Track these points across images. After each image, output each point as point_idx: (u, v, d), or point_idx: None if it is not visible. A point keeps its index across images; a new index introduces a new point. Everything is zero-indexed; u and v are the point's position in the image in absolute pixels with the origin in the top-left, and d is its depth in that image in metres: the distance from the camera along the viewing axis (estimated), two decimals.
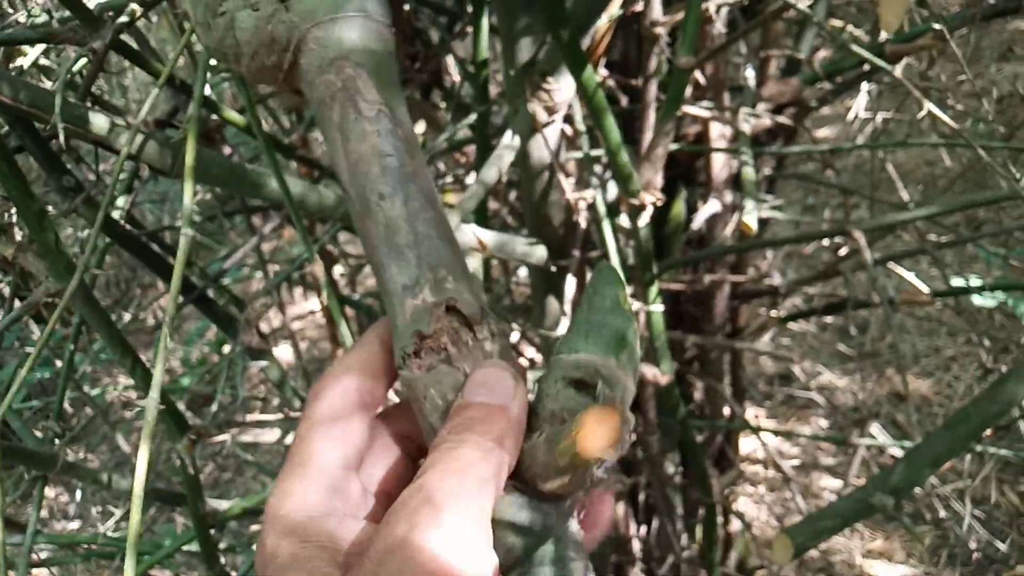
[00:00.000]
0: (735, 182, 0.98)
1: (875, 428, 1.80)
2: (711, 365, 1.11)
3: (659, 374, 0.76)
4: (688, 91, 0.89)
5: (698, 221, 0.92)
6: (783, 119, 0.79)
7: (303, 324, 2.64)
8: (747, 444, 1.88)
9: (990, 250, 1.15)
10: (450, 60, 0.94)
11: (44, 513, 2.08)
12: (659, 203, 0.60)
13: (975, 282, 1.11)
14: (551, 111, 0.60)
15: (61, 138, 0.42)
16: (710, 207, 0.91)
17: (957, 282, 1.08)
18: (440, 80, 0.89)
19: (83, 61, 0.60)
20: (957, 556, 1.55)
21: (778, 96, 0.89)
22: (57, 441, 0.65)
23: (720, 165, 0.94)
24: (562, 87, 0.60)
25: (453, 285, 0.30)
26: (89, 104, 0.54)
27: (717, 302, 1.03)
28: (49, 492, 2.12)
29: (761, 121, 0.83)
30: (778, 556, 0.75)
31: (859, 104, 1.23)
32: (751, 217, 0.60)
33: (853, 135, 2.12)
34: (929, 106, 0.54)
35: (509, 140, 0.67)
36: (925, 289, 0.92)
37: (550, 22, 0.50)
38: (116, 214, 0.73)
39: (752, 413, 1.99)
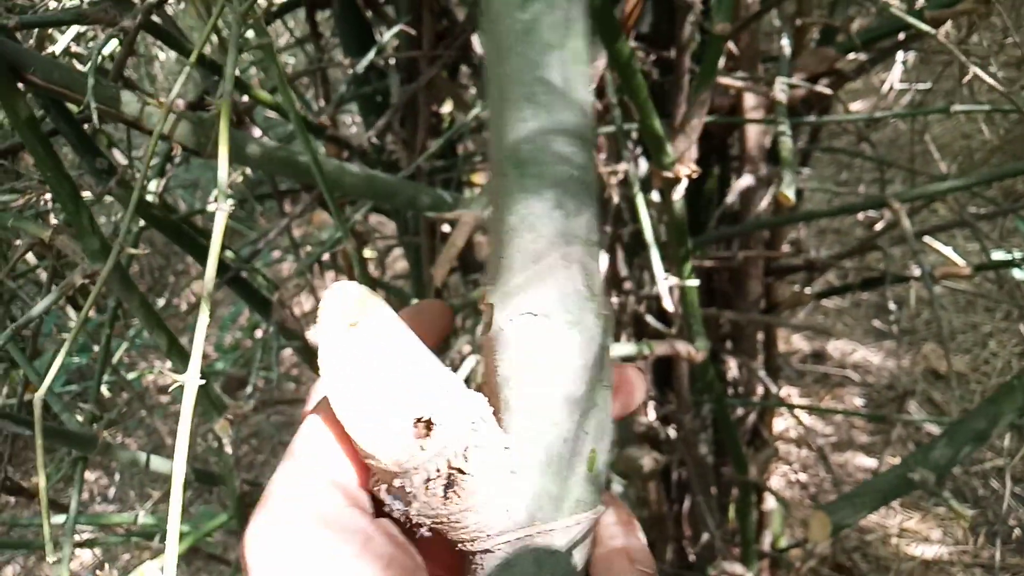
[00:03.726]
0: (770, 156, 0.96)
1: (911, 406, 1.77)
2: (744, 343, 1.09)
3: (693, 351, 0.75)
4: (722, 63, 0.87)
5: (732, 196, 0.90)
6: (820, 88, 0.77)
7: None
8: (780, 423, 1.86)
9: None
10: (477, 37, 0.93)
11: (84, 496, 2.12)
12: (694, 175, 0.59)
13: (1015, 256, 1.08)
14: None
15: (94, 118, 0.42)
16: (744, 181, 0.89)
17: (998, 256, 1.05)
18: (468, 57, 0.88)
19: (114, 43, 0.61)
20: (997, 534, 1.52)
21: (813, 66, 0.87)
22: (95, 424, 0.66)
23: (754, 138, 0.92)
24: (594, 57, 0.58)
25: None
26: (120, 86, 0.54)
27: (751, 278, 1.02)
28: (89, 476, 2.16)
29: (797, 91, 0.81)
30: (815, 534, 0.74)
31: (894, 75, 1.20)
32: (789, 189, 0.59)
33: (888, 108, 2.07)
34: (974, 69, 0.53)
35: None
36: (963, 263, 0.89)
37: None
38: (149, 198, 0.74)
39: (785, 392, 1.97)
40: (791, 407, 0.94)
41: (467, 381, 0.32)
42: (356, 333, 0.28)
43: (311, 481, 0.28)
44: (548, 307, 0.28)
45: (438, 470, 0.26)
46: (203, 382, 0.28)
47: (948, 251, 0.92)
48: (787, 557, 1.03)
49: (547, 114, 0.30)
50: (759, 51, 0.89)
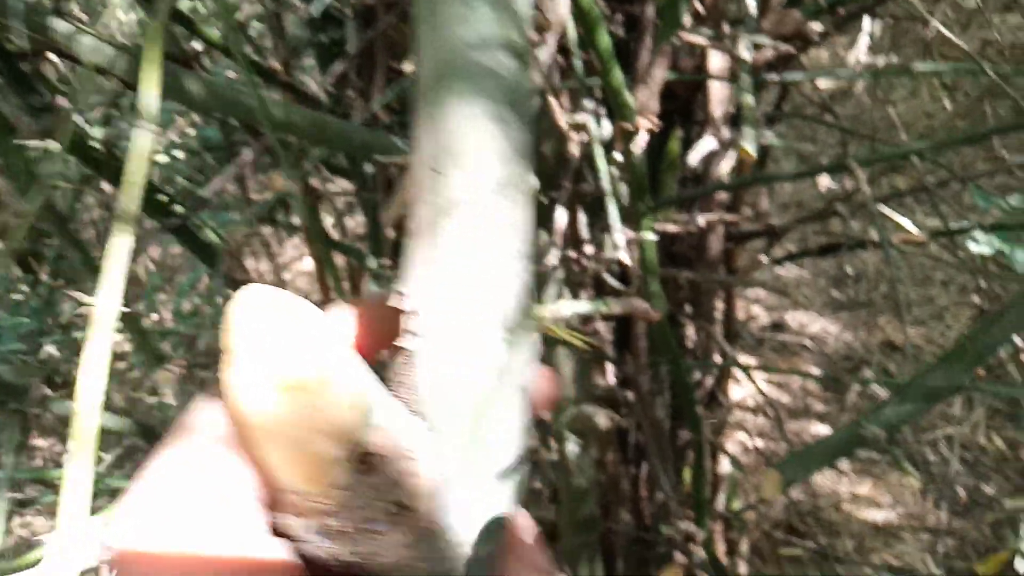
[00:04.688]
0: (733, 120, 0.96)
1: (867, 375, 1.81)
2: (703, 307, 1.10)
3: (650, 310, 0.74)
4: (687, 22, 0.86)
5: (694, 158, 0.90)
6: (785, 47, 0.77)
7: (292, 275, 2.62)
8: (737, 392, 1.89)
9: (987, 193, 1.13)
10: None
11: (38, 462, 2.08)
12: (655, 129, 0.58)
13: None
14: (542, 29, 0.57)
15: (24, 43, 0.40)
16: (707, 143, 0.88)
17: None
18: None
19: None
20: (944, 499, 1.57)
21: (779, 28, 0.86)
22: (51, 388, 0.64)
23: (718, 101, 0.91)
24: (555, 2, 0.57)
25: None
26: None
27: (711, 243, 1.02)
28: (42, 443, 2.12)
29: (762, 53, 0.80)
30: (768, 491, 0.74)
31: (860, 47, 1.20)
32: (751, 144, 0.58)
33: (853, 79, 2.09)
34: (936, 25, 0.52)
35: None
36: (918, 231, 0.90)
37: None
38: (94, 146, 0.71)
39: (743, 360, 1.99)
40: (747, 369, 0.95)
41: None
42: (276, 351, 0.23)
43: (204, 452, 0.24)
44: (482, 321, 0.27)
45: (380, 505, 0.24)
46: (129, 311, 0.27)
47: (905, 221, 0.92)
48: (741, 518, 1.05)
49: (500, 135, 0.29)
50: (724, 13, 0.88)
